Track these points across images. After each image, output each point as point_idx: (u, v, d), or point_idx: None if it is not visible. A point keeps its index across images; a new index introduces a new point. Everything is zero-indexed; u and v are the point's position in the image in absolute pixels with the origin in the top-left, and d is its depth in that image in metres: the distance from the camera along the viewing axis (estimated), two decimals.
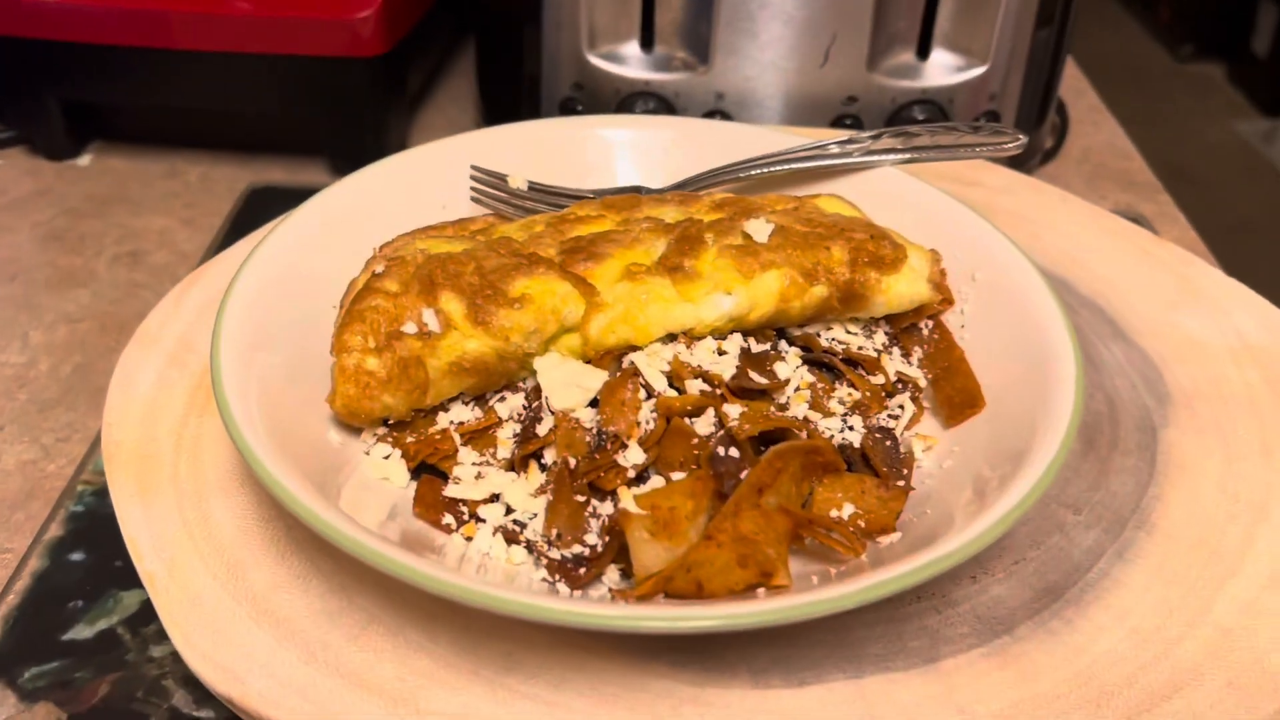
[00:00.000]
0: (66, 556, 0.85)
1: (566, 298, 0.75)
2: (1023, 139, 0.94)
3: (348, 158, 1.33)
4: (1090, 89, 1.62)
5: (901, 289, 0.80)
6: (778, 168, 0.94)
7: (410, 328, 0.73)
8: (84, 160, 1.37)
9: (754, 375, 0.74)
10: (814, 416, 0.74)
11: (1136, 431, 0.83)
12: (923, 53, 1.23)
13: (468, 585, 0.57)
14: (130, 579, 0.81)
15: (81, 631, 0.79)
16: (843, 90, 1.22)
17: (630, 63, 1.23)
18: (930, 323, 0.84)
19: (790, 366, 0.76)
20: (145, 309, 1.12)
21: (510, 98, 1.32)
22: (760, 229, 0.79)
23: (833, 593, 0.57)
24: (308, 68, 1.24)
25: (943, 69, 1.23)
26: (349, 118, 1.29)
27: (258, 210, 1.27)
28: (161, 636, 0.77)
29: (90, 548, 0.85)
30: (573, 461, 0.69)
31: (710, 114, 1.24)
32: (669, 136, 1.00)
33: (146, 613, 0.80)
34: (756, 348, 0.78)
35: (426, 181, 0.93)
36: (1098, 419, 0.84)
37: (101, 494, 0.89)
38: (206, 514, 0.74)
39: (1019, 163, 1.32)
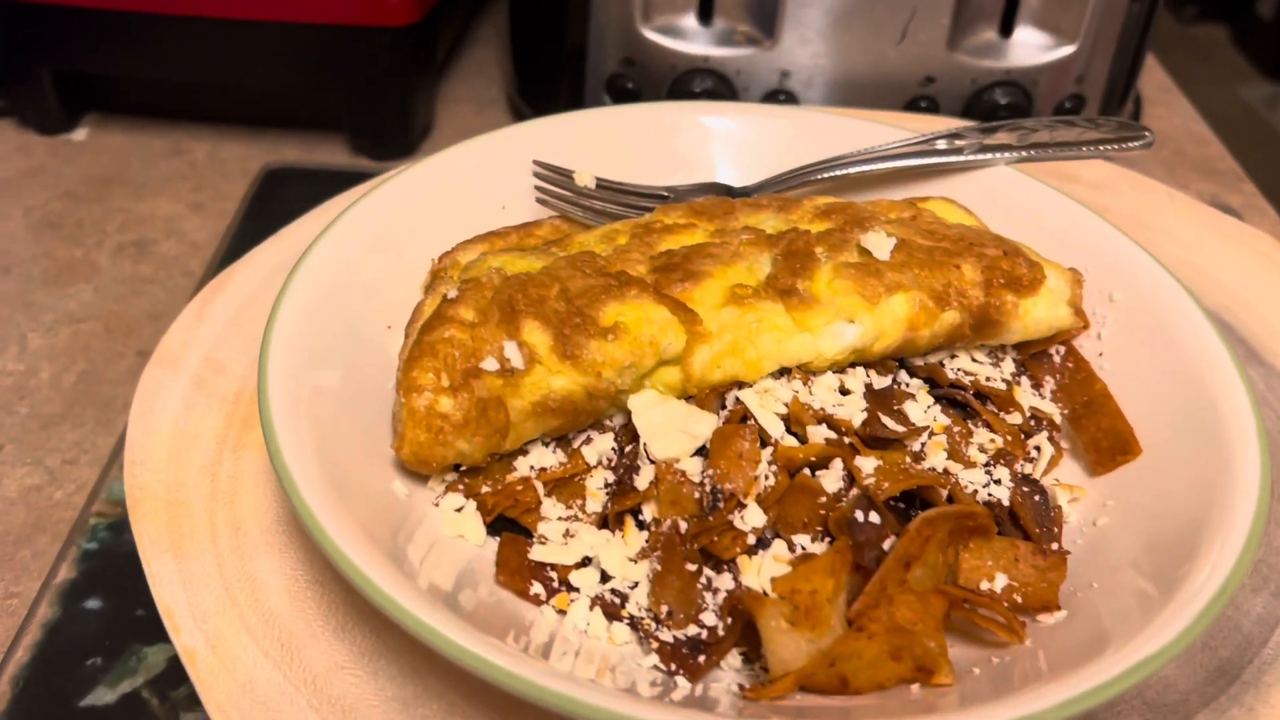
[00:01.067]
0: (81, 604, 0.75)
1: (665, 327, 0.65)
2: (1150, 136, 0.84)
3: (370, 135, 1.21)
4: (1159, 66, 1.51)
5: (1040, 313, 0.71)
6: (878, 165, 0.83)
7: (491, 364, 0.62)
8: (79, 135, 1.25)
9: (886, 420, 0.64)
10: (954, 468, 0.64)
11: None
12: (1006, 30, 1.12)
13: (575, 695, 0.48)
14: (156, 631, 0.70)
15: (102, 696, 0.69)
16: (920, 70, 1.12)
17: (687, 36, 1.12)
18: (1062, 349, 0.75)
19: (922, 407, 0.67)
20: (155, 307, 1.01)
21: (549, 72, 1.20)
22: (881, 244, 0.69)
23: (1026, 709, 0.48)
24: (328, 37, 1.12)
25: (1028, 48, 1.12)
26: (372, 92, 1.17)
27: (274, 194, 1.15)
28: (194, 702, 0.67)
29: (108, 593, 0.75)
30: (682, 525, 0.59)
31: (774, 94, 1.13)
32: (757, 127, 0.89)
33: (175, 672, 0.70)
34: (878, 383, 0.68)
35: (484, 179, 0.82)
36: None
37: (118, 528, 0.78)
38: (251, 574, 0.64)
39: None
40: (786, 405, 0.64)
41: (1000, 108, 1.13)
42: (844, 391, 0.66)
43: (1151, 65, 1.51)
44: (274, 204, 1.13)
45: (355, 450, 0.64)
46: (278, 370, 0.63)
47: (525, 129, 0.85)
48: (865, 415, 0.64)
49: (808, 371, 0.67)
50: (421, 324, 0.64)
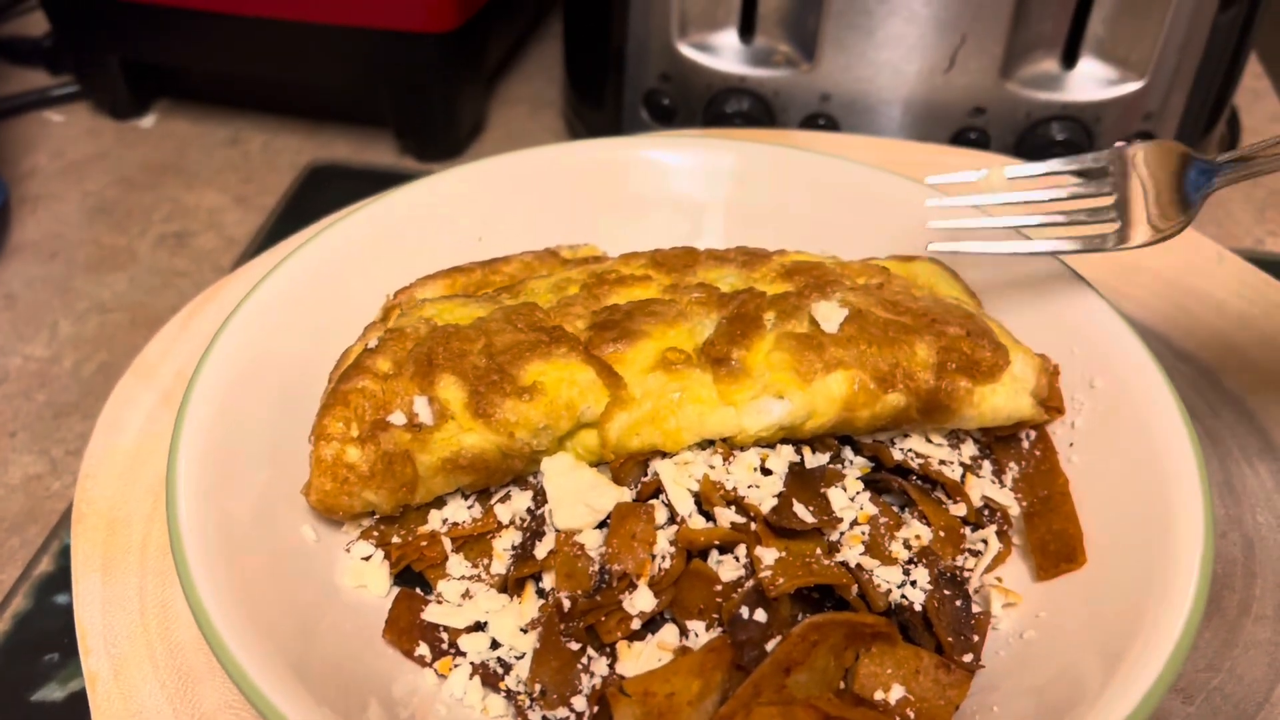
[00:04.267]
0: (51, 598, 0.78)
1: (586, 390, 0.63)
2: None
3: (416, 136, 1.22)
4: (1272, 92, 1.39)
5: (998, 402, 0.66)
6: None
7: (398, 418, 0.62)
8: (147, 121, 1.30)
9: (799, 509, 0.61)
10: (870, 564, 0.61)
11: (1277, 591, 0.68)
12: (1069, 61, 1.04)
13: None
14: None
15: (52, 692, 0.72)
16: (969, 100, 1.05)
17: (725, 54, 1.08)
18: (1033, 433, 0.70)
19: (847, 495, 0.63)
20: (180, 302, 1.05)
21: (596, 80, 1.18)
22: (830, 315, 0.66)
23: None
24: (375, 40, 1.13)
25: (1091, 81, 1.04)
26: (416, 94, 1.18)
27: (314, 192, 1.17)
28: None
29: None
30: (567, 601, 0.58)
31: (812, 118, 1.08)
32: (730, 163, 0.85)
33: None
34: (813, 460, 0.65)
35: (460, 210, 0.81)
36: (1229, 569, 0.69)
37: None
38: (168, 602, 0.66)
39: None
40: (699, 482, 0.62)
41: (1056, 144, 1.06)
42: (765, 471, 0.63)
43: (1264, 89, 1.39)
44: (313, 202, 1.15)
45: (281, 487, 0.65)
46: (199, 403, 0.64)
47: (504, 161, 0.84)
48: (777, 501, 0.61)
49: (732, 446, 0.64)
50: (341, 372, 0.64)
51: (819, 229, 0.81)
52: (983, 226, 0.73)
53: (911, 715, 0.56)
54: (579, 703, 0.57)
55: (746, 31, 1.07)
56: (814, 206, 0.83)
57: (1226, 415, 0.79)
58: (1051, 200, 0.71)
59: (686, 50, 1.08)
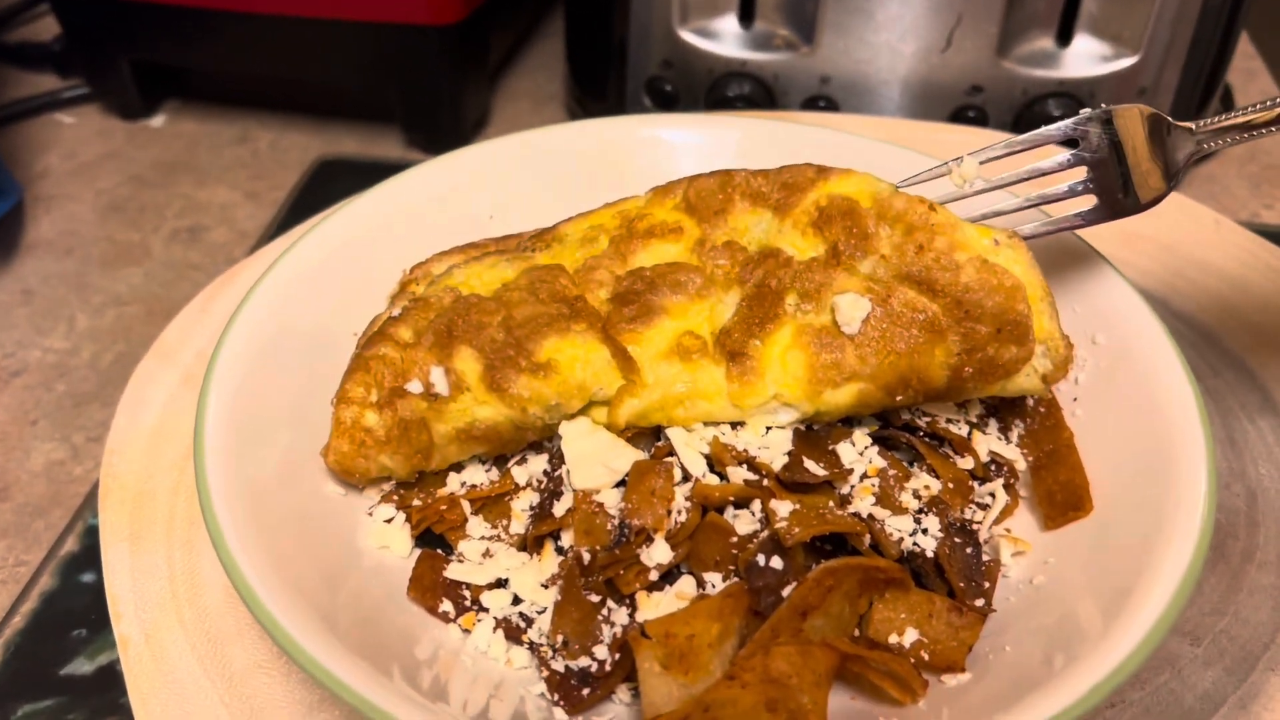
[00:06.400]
0: (77, 577, 0.80)
1: (600, 372, 0.64)
2: None
3: (422, 129, 1.24)
4: (1265, 71, 1.41)
5: (1005, 387, 0.66)
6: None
7: (415, 386, 0.64)
8: (157, 121, 1.32)
9: (810, 464, 0.62)
10: (881, 514, 0.62)
11: None
12: (1064, 38, 1.06)
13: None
14: None
15: (81, 666, 0.74)
16: (966, 79, 1.07)
17: (726, 40, 1.10)
18: None
19: (856, 450, 0.65)
20: (196, 293, 1.06)
21: (598, 70, 1.20)
22: (852, 312, 0.64)
23: None
24: (381, 35, 1.15)
25: (1086, 58, 1.06)
26: (423, 88, 1.20)
27: (323, 186, 1.19)
28: None
29: (101, 568, 0.80)
30: (586, 555, 0.60)
31: (813, 100, 1.10)
32: (734, 138, 0.87)
33: None
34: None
35: (473, 189, 0.83)
36: (1233, 519, 0.70)
37: None
38: (196, 569, 0.67)
39: None
40: (709, 444, 0.64)
41: (1053, 119, 1.07)
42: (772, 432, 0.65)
43: (1257, 69, 1.41)
44: (322, 195, 1.17)
45: (304, 451, 0.66)
46: (224, 371, 0.65)
47: (516, 140, 0.86)
48: (787, 459, 0.62)
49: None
50: (366, 338, 0.66)
51: None
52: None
53: (926, 657, 0.58)
54: (600, 651, 0.58)
55: (746, 16, 1.09)
56: None
57: (1228, 375, 0.80)
58: (1028, 179, 0.71)
59: (688, 36, 1.10)
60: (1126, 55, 1.05)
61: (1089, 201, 0.69)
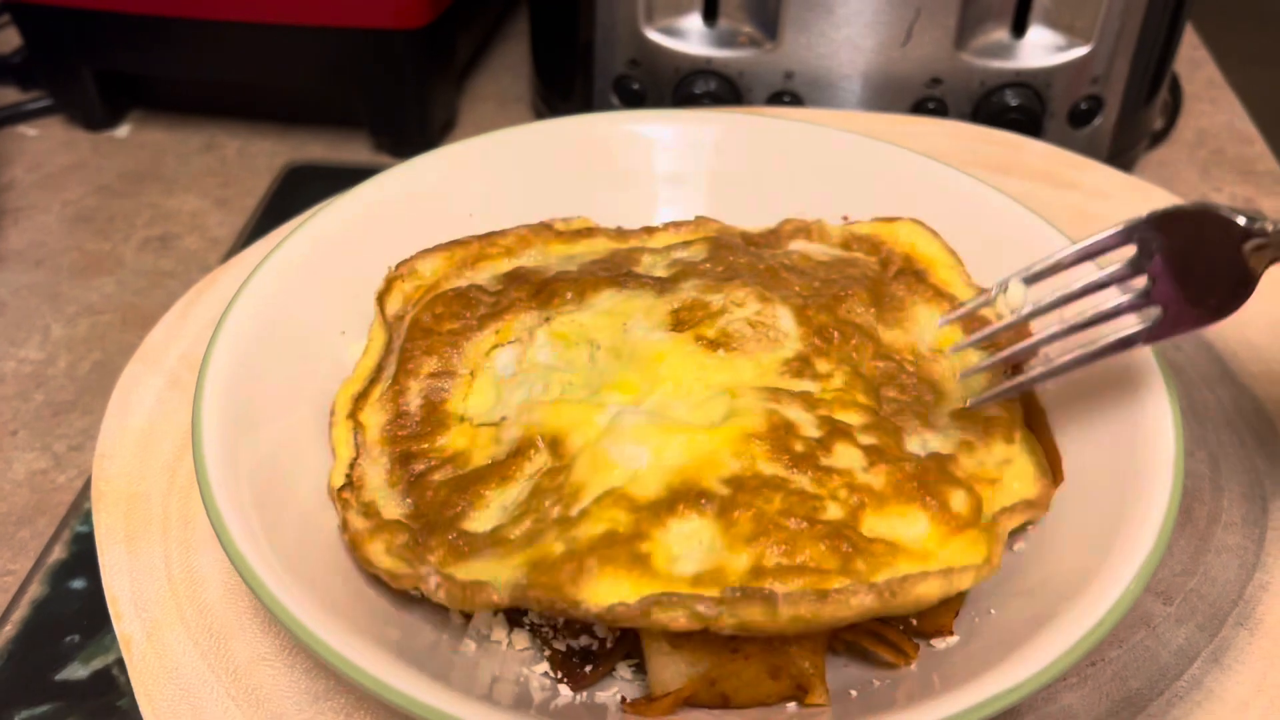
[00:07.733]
0: (67, 584, 0.80)
1: None
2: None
3: (391, 134, 1.25)
4: (1210, 61, 1.46)
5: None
6: None
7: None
8: (122, 131, 1.32)
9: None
10: None
11: (1243, 501, 0.72)
12: (1019, 29, 1.09)
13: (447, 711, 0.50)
14: None
15: (76, 671, 0.74)
16: (926, 72, 1.10)
17: (691, 38, 1.12)
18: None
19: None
20: (169, 301, 1.06)
21: (564, 70, 1.22)
22: None
23: None
24: (347, 39, 1.15)
25: (1039, 49, 1.10)
26: (391, 92, 1.21)
27: (294, 191, 1.20)
28: None
29: (92, 574, 0.80)
30: None
31: (778, 95, 1.13)
32: (712, 134, 0.89)
33: None
34: None
35: (451, 188, 0.85)
36: (1198, 484, 0.73)
37: None
38: (194, 567, 0.68)
39: (1123, 148, 1.18)
40: None
41: (1011, 109, 1.11)
42: None
43: (1203, 59, 1.46)
44: (293, 201, 1.18)
45: (303, 441, 0.67)
46: (217, 373, 0.66)
47: (495, 138, 0.87)
48: None
49: None
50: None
51: (806, 194, 0.85)
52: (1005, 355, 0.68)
53: (915, 622, 0.60)
54: (601, 629, 0.60)
55: (710, 15, 1.11)
56: (800, 172, 0.87)
57: (1187, 348, 0.83)
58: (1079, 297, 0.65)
59: (654, 35, 1.12)
60: (1079, 45, 1.09)
61: (1152, 314, 0.61)
